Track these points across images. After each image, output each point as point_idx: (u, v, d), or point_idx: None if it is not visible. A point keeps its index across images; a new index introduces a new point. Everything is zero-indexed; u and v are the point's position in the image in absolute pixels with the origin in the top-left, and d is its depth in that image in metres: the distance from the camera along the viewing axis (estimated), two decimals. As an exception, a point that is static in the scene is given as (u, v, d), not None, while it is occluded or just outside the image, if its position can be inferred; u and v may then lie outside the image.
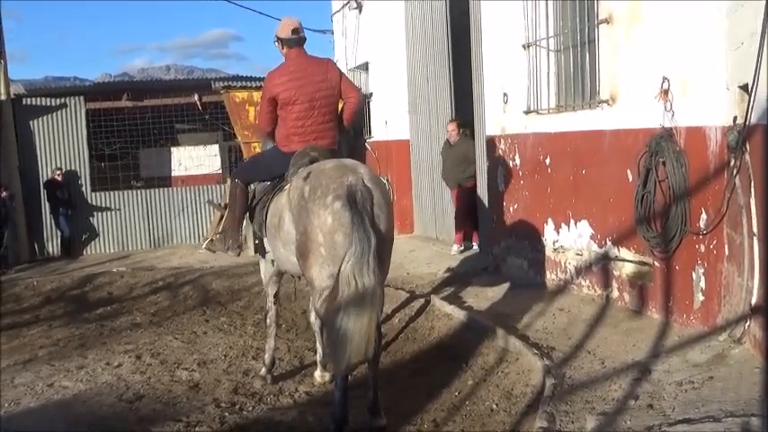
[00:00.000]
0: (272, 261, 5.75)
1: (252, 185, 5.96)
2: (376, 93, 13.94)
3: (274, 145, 5.75)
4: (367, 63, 14.24)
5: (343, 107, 5.70)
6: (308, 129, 5.45)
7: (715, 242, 5.51)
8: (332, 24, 16.04)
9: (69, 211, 14.34)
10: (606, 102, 6.64)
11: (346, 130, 5.93)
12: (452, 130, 10.43)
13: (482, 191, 9.92)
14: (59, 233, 14.44)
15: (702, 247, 5.63)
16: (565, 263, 7.57)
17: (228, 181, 14.81)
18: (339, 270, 4.43)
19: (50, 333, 8.13)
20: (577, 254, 7.33)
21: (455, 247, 10.60)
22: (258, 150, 7.20)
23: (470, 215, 10.52)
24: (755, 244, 4.88)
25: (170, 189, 15.67)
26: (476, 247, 10.55)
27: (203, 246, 6.29)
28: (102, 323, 8.51)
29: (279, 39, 5.61)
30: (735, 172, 5.14)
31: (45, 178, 14.37)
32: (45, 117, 14.51)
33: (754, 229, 4.89)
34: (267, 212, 5.44)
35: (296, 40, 5.56)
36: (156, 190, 15.41)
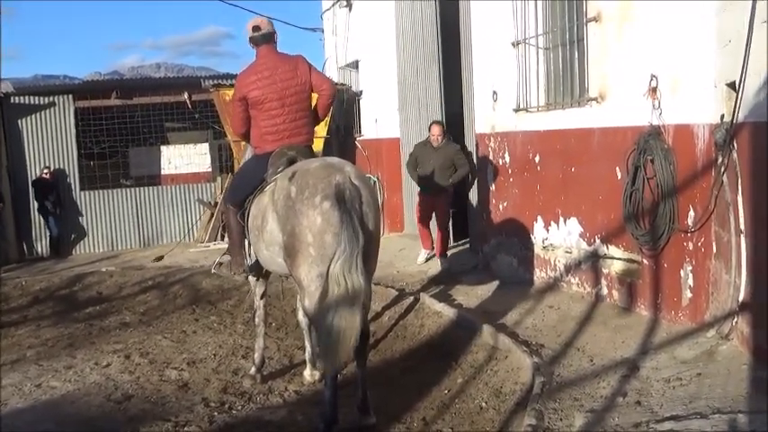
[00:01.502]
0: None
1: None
2: (366, 91, 13.94)
3: (251, 155, 5.74)
4: (357, 61, 14.23)
5: (317, 100, 5.67)
6: (281, 127, 5.41)
7: (703, 239, 5.54)
8: (322, 23, 16.04)
9: (58, 211, 14.27)
10: (595, 100, 6.66)
11: (320, 123, 5.85)
12: (438, 135, 9.43)
13: (471, 190, 9.93)
14: (48, 232, 14.37)
15: (690, 245, 5.66)
16: (554, 260, 7.59)
17: (220, 179, 14.96)
18: (328, 270, 4.43)
19: (39, 333, 8.09)
20: (567, 251, 7.35)
21: (424, 253, 9.94)
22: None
23: (447, 223, 9.88)
24: (743, 241, 4.90)
25: (160, 188, 15.61)
26: (442, 261, 9.57)
27: (213, 270, 6.30)
28: (91, 323, 8.47)
29: (249, 40, 5.61)
30: (722, 169, 5.16)
31: (33, 177, 14.29)
32: (33, 116, 14.42)
33: (742, 227, 4.91)
34: (248, 214, 5.40)
35: (260, 38, 5.52)
36: (146, 188, 15.36)
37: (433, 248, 9.90)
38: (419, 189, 9.93)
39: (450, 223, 10.16)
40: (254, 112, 5.46)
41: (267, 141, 5.45)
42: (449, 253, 9.85)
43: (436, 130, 9.51)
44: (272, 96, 5.35)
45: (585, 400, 4.58)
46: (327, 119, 12.29)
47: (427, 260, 9.87)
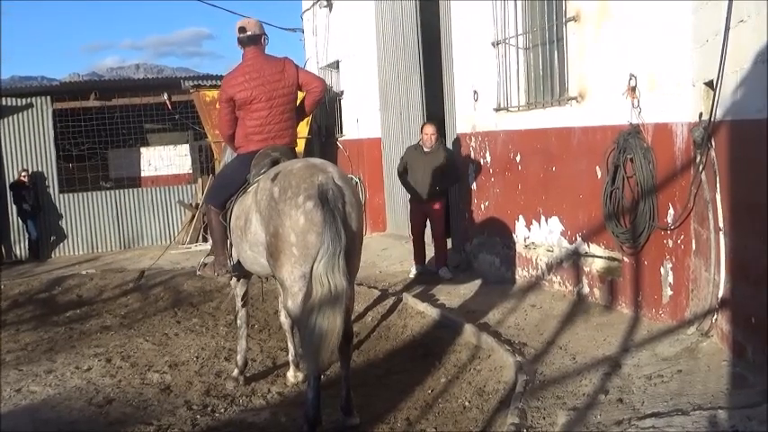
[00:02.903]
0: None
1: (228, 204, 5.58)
2: (347, 91, 13.92)
3: (234, 156, 5.72)
4: (338, 61, 14.21)
5: (305, 96, 5.67)
6: (266, 128, 5.41)
7: (682, 237, 5.59)
8: (302, 23, 15.99)
9: (37, 212, 14.13)
10: (575, 99, 6.70)
11: (302, 123, 5.81)
12: (431, 134, 8.73)
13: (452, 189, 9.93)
14: (27, 235, 14.22)
15: (670, 242, 5.71)
16: (536, 259, 7.62)
17: (201, 180, 14.88)
18: (311, 270, 4.42)
19: (18, 337, 8.00)
20: (548, 250, 7.39)
21: (416, 268, 9.03)
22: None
23: (443, 231, 9.05)
24: (722, 238, 4.95)
25: (140, 189, 15.52)
26: (445, 273, 8.80)
27: (197, 271, 6.26)
28: (72, 326, 8.40)
29: (237, 41, 5.60)
30: (701, 168, 5.21)
31: (11, 180, 14.14)
32: (11, 118, 14.26)
33: (721, 224, 4.96)
34: (231, 215, 5.39)
35: (246, 39, 5.52)
36: (126, 191, 15.24)
37: (425, 263, 9.06)
38: (410, 197, 9.19)
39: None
40: (241, 113, 5.46)
41: (252, 141, 5.44)
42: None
43: (429, 129, 8.81)
44: (259, 98, 5.35)
45: (568, 398, 4.60)
46: (308, 119, 12.26)
47: (420, 274, 8.94)
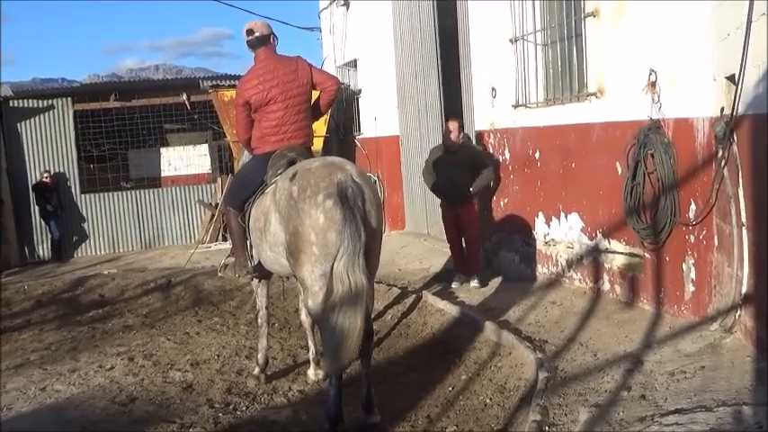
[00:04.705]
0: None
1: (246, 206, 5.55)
2: (365, 89, 13.94)
3: (249, 157, 5.75)
4: (355, 60, 14.23)
5: (319, 95, 5.67)
6: (282, 128, 5.43)
7: (704, 233, 5.54)
8: (319, 22, 16.03)
9: (59, 213, 14.29)
10: (594, 95, 6.66)
11: (320, 122, 5.81)
12: (454, 130, 8.22)
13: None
14: (49, 236, 14.38)
15: (692, 238, 5.66)
16: (556, 256, 7.59)
17: (220, 179, 14.95)
18: (332, 268, 4.43)
19: (42, 337, 8.09)
20: (568, 247, 7.35)
21: (458, 279, 8.35)
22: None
23: (477, 234, 8.54)
24: (744, 234, 4.90)
25: (160, 189, 15.64)
26: (476, 283, 8.19)
27: (219, 272, 6.30)
28: (94, 326, 8.48)
29: (246, 44, 5.62)
30: (723, 163, 5.16)
31: (33, 181, 14.30)
32: (32, 119, 14.45)
33: (743, 219, 4.91)
34: (249, 216, 5.41)
35: (256, 41, 5.54)
36: (146, 191, 15.37)
37: (469, 272, 8.37)
38: (440, 200, 8.70)
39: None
40: (257, 115, 5.47)
41: (268, 142, 5.45)
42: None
43: (452, 125, 8.29)
44: (275, 97, 5.37)
45: (590, 394, 4.59)
46: (327, 117, 12.29)
47: (462, 284, 8.28)
